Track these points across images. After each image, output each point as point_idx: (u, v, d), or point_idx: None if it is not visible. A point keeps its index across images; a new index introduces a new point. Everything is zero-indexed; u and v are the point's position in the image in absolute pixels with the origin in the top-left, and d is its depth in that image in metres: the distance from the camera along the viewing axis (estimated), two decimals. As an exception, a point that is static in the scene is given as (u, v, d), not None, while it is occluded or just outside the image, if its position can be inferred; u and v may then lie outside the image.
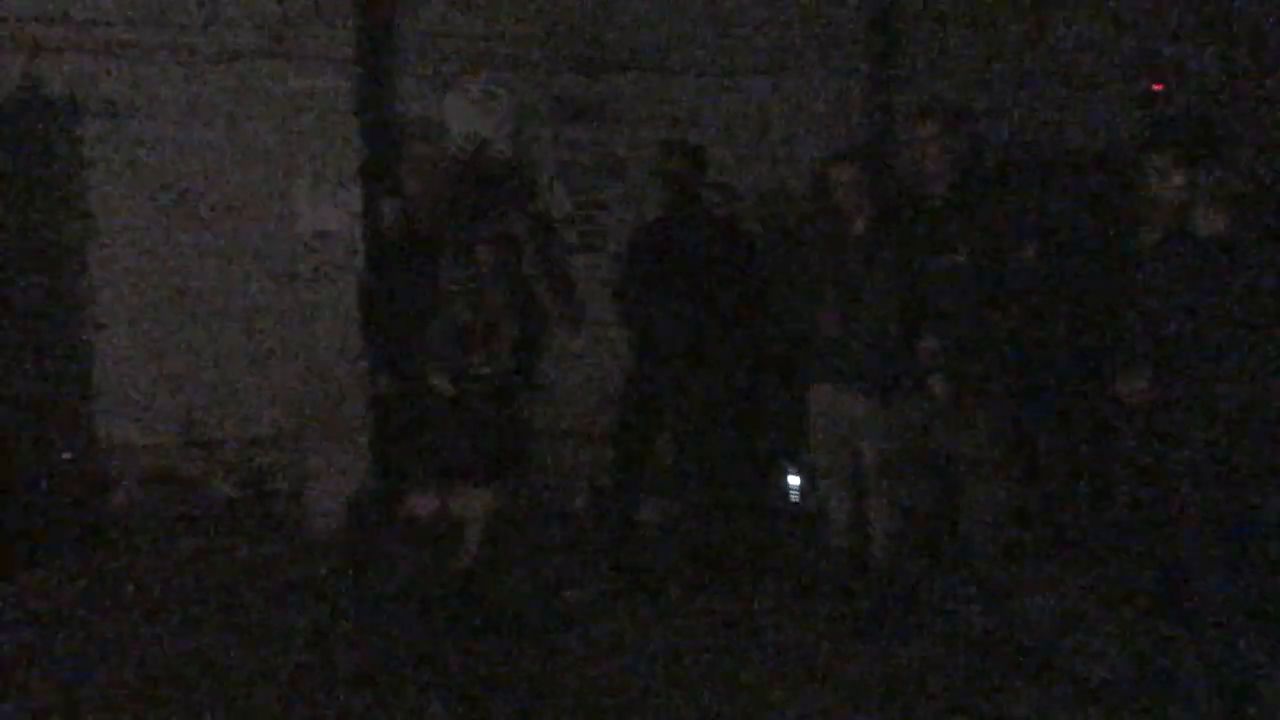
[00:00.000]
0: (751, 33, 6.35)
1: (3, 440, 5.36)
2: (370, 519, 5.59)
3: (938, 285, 3.86)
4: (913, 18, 6.53)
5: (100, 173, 5.59)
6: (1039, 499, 4.71)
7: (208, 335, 5.73)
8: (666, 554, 4.92)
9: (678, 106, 6.18)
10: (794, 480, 5.57)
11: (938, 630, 4.06)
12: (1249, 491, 3.04)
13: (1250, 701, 3.11)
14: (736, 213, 5.68)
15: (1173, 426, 3.17)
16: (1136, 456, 3.81)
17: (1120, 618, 4.02)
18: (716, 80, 6.28)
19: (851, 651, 4.00)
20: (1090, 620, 4.12)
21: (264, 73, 5.70)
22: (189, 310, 5.71)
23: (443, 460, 4.58)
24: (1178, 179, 3.11)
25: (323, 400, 5.68)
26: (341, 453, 5.67)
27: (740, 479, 5.37)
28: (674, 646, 4.08)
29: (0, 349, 5.50)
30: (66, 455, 5.53)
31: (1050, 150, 6.21)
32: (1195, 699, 3.23)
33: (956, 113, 4.01)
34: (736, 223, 5.38)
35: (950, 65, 6.49)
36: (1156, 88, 6.78)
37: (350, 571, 4.94)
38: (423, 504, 4.61)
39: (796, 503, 5.54)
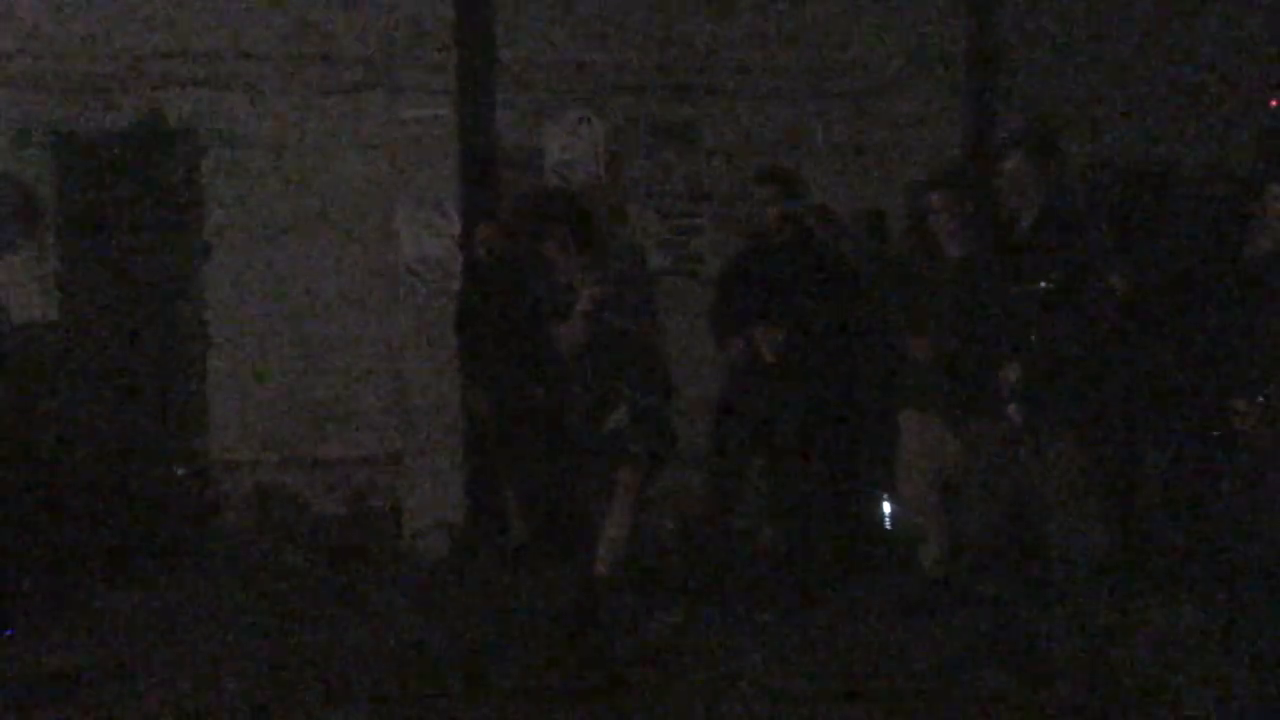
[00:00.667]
0: (847, 54, 6.33)
1: (121, 456, 5.64)
2: (468, 539, 5.72)
3: (1020, 313, 3.78)
4: (1016, 35, 6.42)
5: (215, 201, 5.86)
6: (1138, 529, 4.55)
7: (313, 357, 5.94)
8: (760, 579, 4.90)
9: (772, 130, 6.18)
10: (888, 506, 5.50)
11: (1039, 665, 3.96)
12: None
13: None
14: (834, 237, 5.65)
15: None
16: (1248, 481, 3.67)
17: (1231, 655, 3.86)
18: (813, 103, 6.27)
19: (946, 681, 3.92)
20: (1198, 656, 3.97)
21: (369, 104, 5.90)
22: (296, 333, 5.93)
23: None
24: None
25: (422, 421, 5.82)
26: (439, 472, 5.80)
27: (834, 505, 5.33)
28: (766, 672, 4.06)
29: (121, 370, 5.79)
30: (180, 472, 5.78)
31: (1162, 169, 6.03)
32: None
33: (1042, 144, 3.93)
34: (834, 247, 5.35)
35: (1055, 84, 6.37)
36: (1274, 104, 6.53)
37: (449, 589, 5.04)
38: None
39: (890, 529, 5.46)
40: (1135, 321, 3.86)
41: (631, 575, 5.03)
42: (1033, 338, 3.71)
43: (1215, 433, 3.73)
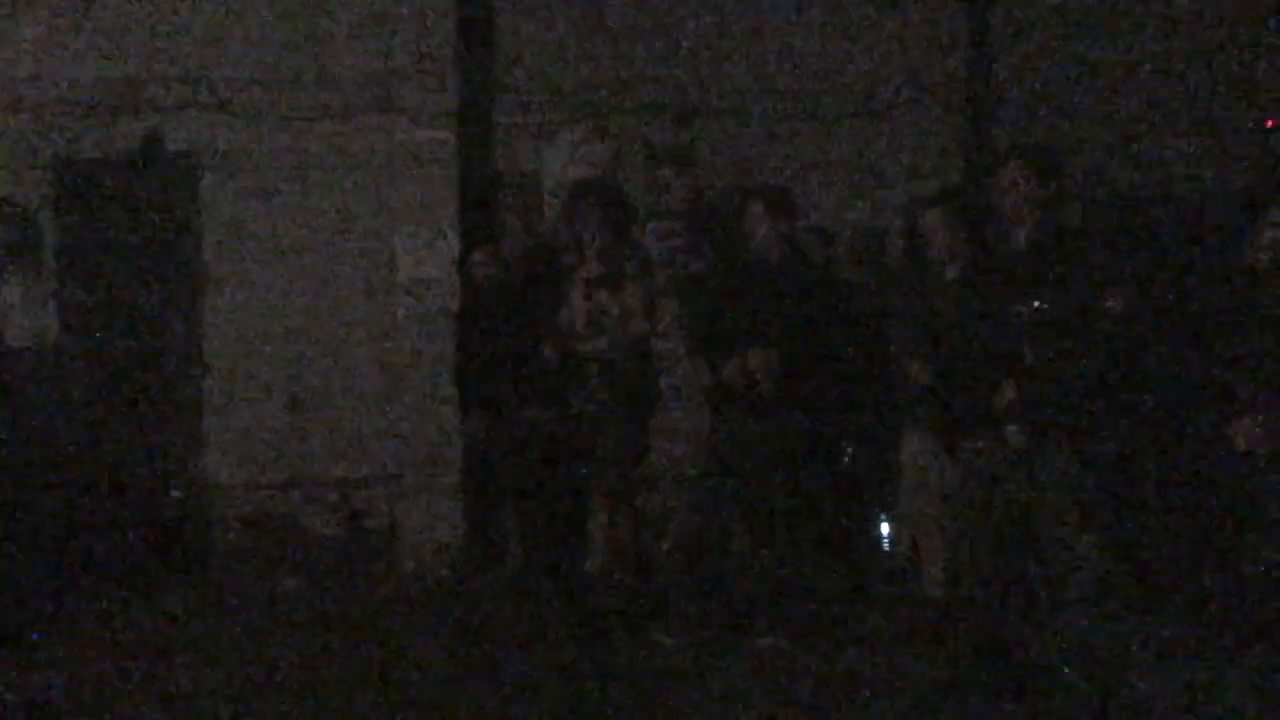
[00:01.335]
0: (845, 76, 6.36)
1: (117, 479, 5.62)
2: (465, 560, 5.69)
3: (1018, 333, 3.75)
4: (1011, 57, 6.46)
5: (214, 225, 5.88)
6: (1136, 551, 4.51)
7: (310, 379, 5.94)
8: (758, 601, 4.86)
9: (770, 152, 6.21)
10: (886, 529, 5.46)
11: (1036, 692, 3.91)
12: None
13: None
14: (829, 257, 5.65)
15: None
16: (1249, 504, 3.63)
17: (1230, 676, 3.81)
18: (809, 124, 6.30)
19: (945, 706, 3.88)
20: (1196, 679, 3.92)
21: (369, 127, 5.92)
22: (292, 354, 5.93)
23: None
24: None
25: (419, 443, 5.80)
26: (437, 494, 5.78)
27: (832, 527, 5.30)
28: (762, 695, 4.02)
29: (117, 393, 5.79)
30: (176, 494, 5.77)
31: (1155, 189, 6.05)
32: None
33: (1043, 156, 3.91)
34: (829, 267, 5.35)
35: (1050, 106, 6.39)
36: (1270, 124, 6.55)
37: (446, 612, 5.01)
38: None
39: (889, 551, 5.43)
40: (1132, 342, 3.83)
41: (629, 597, 5.03)
42: (1030, 357, 3.68)
43: (1214, 453, 3.69)
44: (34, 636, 4.52)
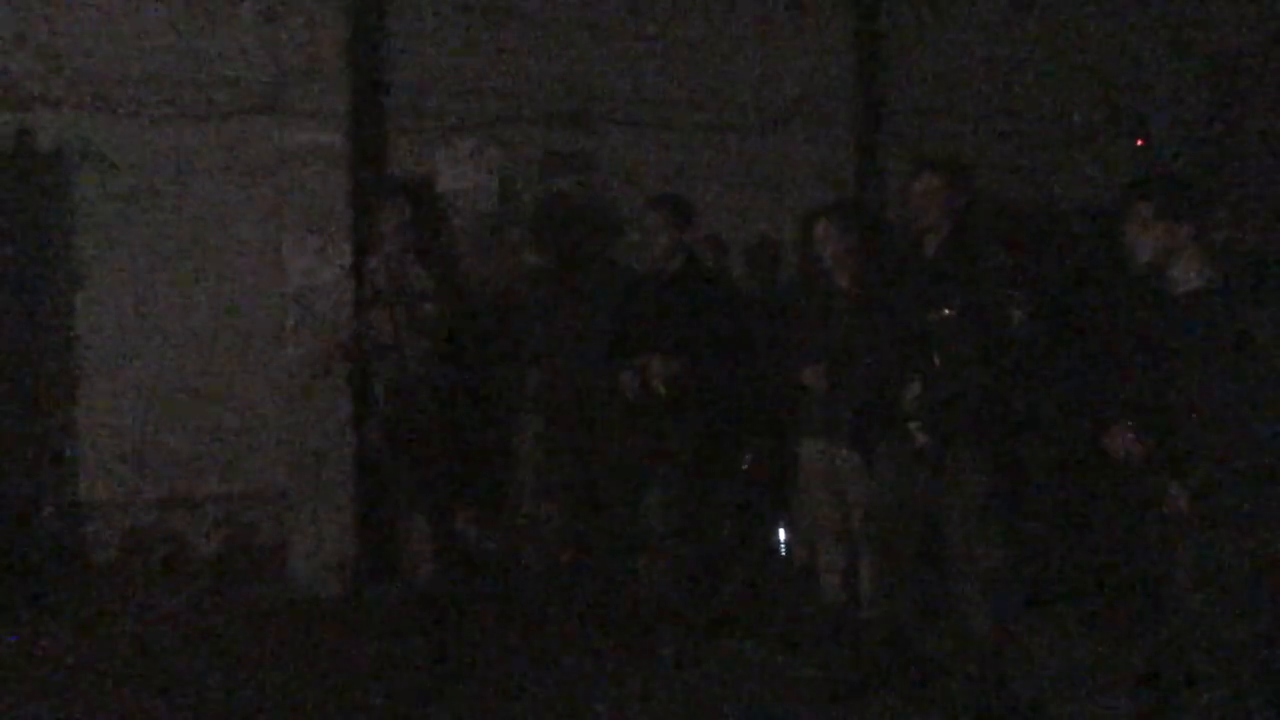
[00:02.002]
0: (740, 88, 6.44)
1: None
2: (356, 575, 5.54)
3: (928, 339, 3.84)
4: (901, 73, 6.63)
5: (90, 227, 5.59)
6: (1029, 554, 4.66)
7: (193, 390, 5.70)
8: (655, 611, 4.86)
9: (666, 161, 6.23)
10: (783, 535, 5.52)
11: (931, 688, 3.99)
12: (1241, 543, 3.00)
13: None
14: (725, 266, 5.70)
15: (1162, 479, 3.13)
16: (1128, 511, 3.78)
17: (1117, 674, 3.95)
18: (705, 135, 6.35)
19: (842, 710, 3.93)
20: (1087, 677, 4.06)
21: (256, 129, 5.73)
22: (175, 365, 5.68)
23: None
24: (1158, 230, 3.12)
25: (309, 456, 5.62)
26: (329, 509, 5.61)
27: (729, 535, 5.33)
28: (662, 704, 4.01)
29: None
30: (47, 513, 5.46)
31: (1038, 204, 6.27)
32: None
33: (954, 167, 4.03)
34: (725, 276, 5.39)
35: (938, 118, 6.58)
36: (1140, 143, 6.88)
37: (336, 629, 4.87)
38: None
39: (786, 558, 5.49)
40: (1032, 349, 3.96)
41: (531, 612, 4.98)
42: (936, 361, 3.78)
43: (1093, 459, 3.83)
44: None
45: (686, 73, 6.36)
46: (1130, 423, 3.17)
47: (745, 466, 5.40)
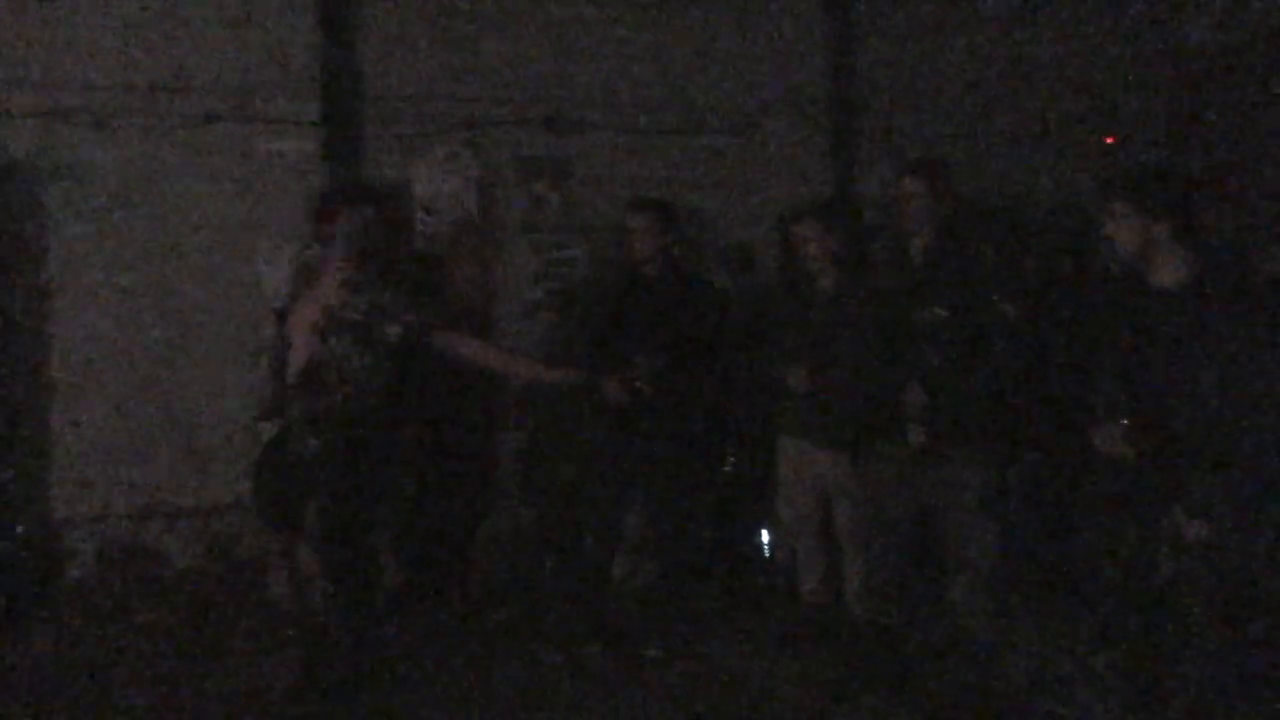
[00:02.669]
0: (715, 91, 6.45)
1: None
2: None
3: (919, 339, 3.86)
4: (875, 73, 6.67)
5: (61, 237, 5.51)
6: (1019, 552, 4.69)
7: (168, 401, 5.63)
8: (639, 613, 4.85)
9: (642, 164, 6.23)
10: (765, 535, 5.53)
11: (919, 688, 4.00)
12: (1230, 540, 3.03)
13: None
14: (704, 269, 5.71)
15: (1151, 476, 3.15)
16: (1117, 508, 3.80)
17: (1107, 673, 3.97)
18: (680, 137, 6.35)
19: (828, 710, 3.93)
20: (1076, 675, 4.07)
21: (229, 137, 5.67)
22: (150, 376, 5.61)
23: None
24: (1136, 226, 3.13)
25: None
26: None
27: (712, 535, 5.33)
28: (649, 706, 4.00)
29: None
30: (19, 529, 5.37)
31: (1014, 202, 6.32)
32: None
33: (939, 167, 4.05)
34: (705, 279, 5.39)
35: (914, 118, 6.63)
36: (1110, 140, 6.95)
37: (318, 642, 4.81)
38: None
39: (768, 558, 5.49)
40: (1025, 347, 3.99)
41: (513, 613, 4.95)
42: (933, 362, 3.80)
43: (1077, 455, 3.85)
44: None
45: (661, 75, 6.36)
46: (1119, 420, 3.19)
47: (727, 468, 5.42)
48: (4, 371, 5.42)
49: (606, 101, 6.25)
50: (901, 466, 3.92)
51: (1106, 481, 3.40)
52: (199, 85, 5.66)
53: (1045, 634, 4.40)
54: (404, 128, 5.95)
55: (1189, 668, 3.11)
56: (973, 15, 6.87)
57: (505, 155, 6.11)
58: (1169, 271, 3.14)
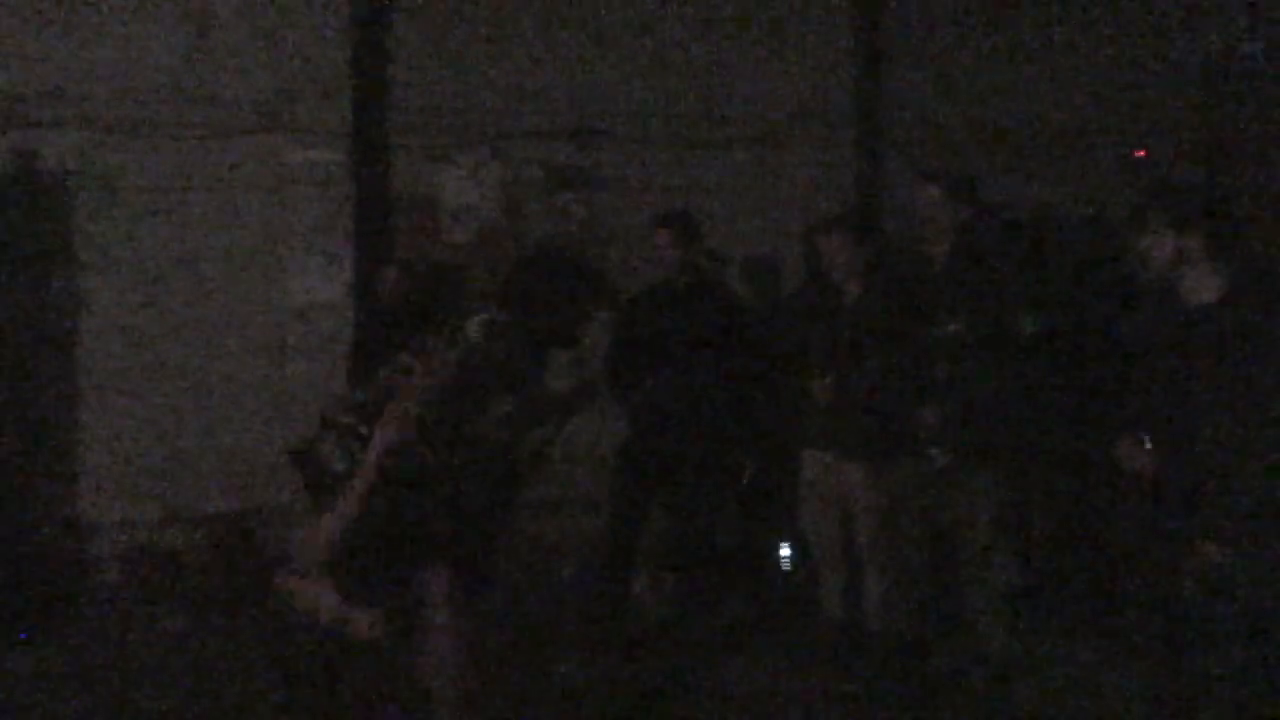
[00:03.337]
0: (741, 103, 6.45)
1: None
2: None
3: (938, 353, 3.83)
4: (900, 86, 6.65)
5: (91, 247, 5.58)
6: (1041, 569, 4.64)
7: (196, 408, 5.67)
8: (660, 626, 4.83)
9: (667, 176, 6.23)
10: (785, 550, 5.50)
11: (938, 704, 3.97)
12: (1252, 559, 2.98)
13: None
14: (727, 281, 5.70)
15: (1174, 493, 3.11)
16: (1140, 525, 3.76)
17: (1130, 690, 3.93)
18: (705, 149, 6.36)
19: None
20: (1099, 693, 4.03)
21: (259, 147, 5.73)
22: (177, 383, 5.66)
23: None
24: (1170, 240, 3.09)
25: (312, 473, 5.58)
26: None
27: (731, 548, 5.30)
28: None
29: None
30: (47, 532, 5.42)
31: (1041, 216, 6.28)
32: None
33: (958, 179, 4.02)
34: (728, 291, 5.38)
35: (937, 131, 6.60)
36: (1139, 154, 6.88)
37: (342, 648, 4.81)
38: None
39: (788, 572, 5.46)
40: (1042, 361, 3.95)
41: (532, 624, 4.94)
42: (949, 378, 3.76)
43: (1104, 471, 3.81)
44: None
45: (687, 88, 6.37)
46: (1141, 435, 3.15)
47: (746, 481, 5.39)
48: (32, 378, 5.49)
49: (632, 113, 6.26)
50: (920, 482, 3.89)
51: (1131, 499, 3.37)
52: (229, 96, 5.72)
53: (1067, 652, 4.36)
54: (432, 138, 5.98)
55: (1212, 686, 3.07)
56: (999, 27, 6.84)
57: (532, 166, 6.13)
58: (1202, 286, 3.10)
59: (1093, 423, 4.19)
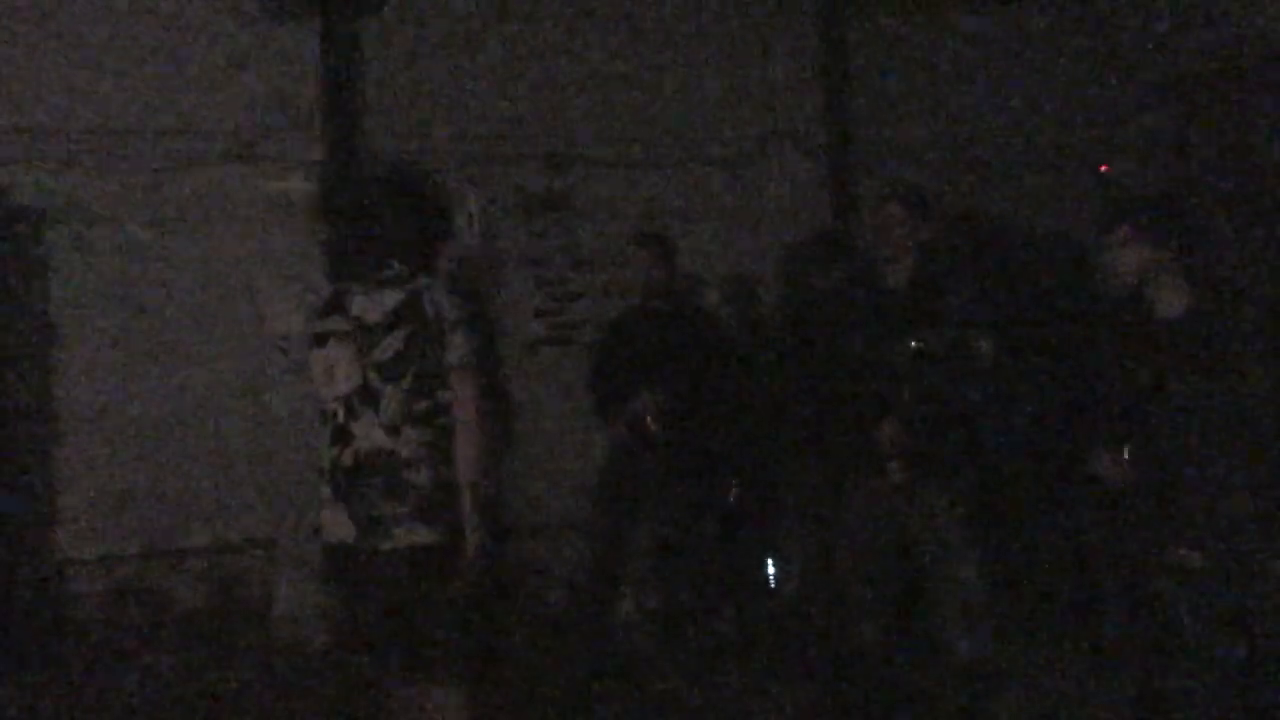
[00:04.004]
0: (713, 125, 6.51)
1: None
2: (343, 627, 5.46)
3: (899, 370, 3.85)
4: (870, 105, 6.74)
5: (64, 280, 5.54)
6: (1011, 581, 4.69)
7: (174, 442, 5.63)
8: (646, 646, 4.84)
9: (642, 198, 6.28)
10: (771, 567, 5.52)
11: (911, 716, 4.00)
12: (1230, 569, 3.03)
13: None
14: (704, 301, 5.74)
15: (1149, 503, 3.16)
16: (1114, 535, 3.81)
17: (1107, 696, 3.97)
18: (679, 172, 6.40)
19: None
20: (1077, 699, 4.07)
21: (233, 177, 5.72)
22: (154, 417, 5.62)
23: None
24: (1138, 253, 3.14)
25: (292, 506, 5.56)
26: (312, 559, 5.54)
27: (717, 566, 5.31)
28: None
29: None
30: (28, 569, 5.36)
31: (1009, 232, 6.36)
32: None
33: (920, 197, 4.05)
34: (706, 311, 5.42)
35: (907, 150, 6.68)
36: (1104, 169, 7.00)
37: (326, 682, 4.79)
38: None
39: (775, 589, 5.48)
40: (1004, 380, 3.98)
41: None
42: (908, 395, 3.79)
43: (1079, 484, 3.86)
44: None
45: (659, 110, 6.42)
46: (1117, 447, 3.20)
47: (731, 499, 5.41)
48: (10, 413, 5.44)
49: (605, 136, 6.31)
50: (883, 499, 3.91)
51: (1106, 509, 3.41)
52: (202, 127, 5.71)
53: (1038, 661, 4.40)
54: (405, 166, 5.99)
55: (1188, 692, 3.11)
56: (966, 46, 6.95)
57: (506, 191, 6.15)
58: (1169, 299, 3.15)
59: (1062, 435, 4.23)
